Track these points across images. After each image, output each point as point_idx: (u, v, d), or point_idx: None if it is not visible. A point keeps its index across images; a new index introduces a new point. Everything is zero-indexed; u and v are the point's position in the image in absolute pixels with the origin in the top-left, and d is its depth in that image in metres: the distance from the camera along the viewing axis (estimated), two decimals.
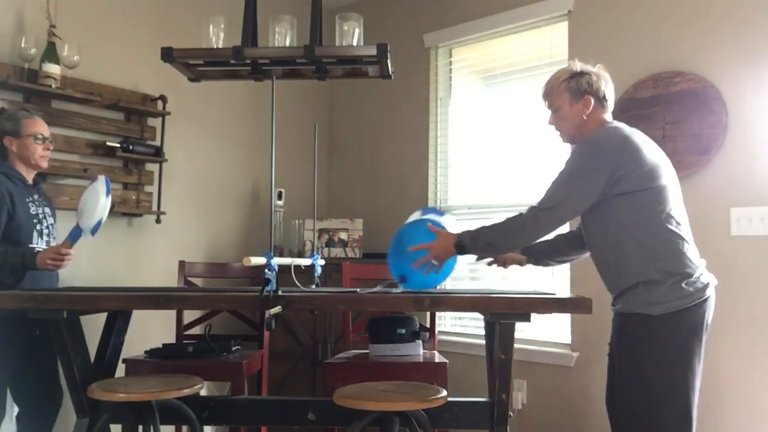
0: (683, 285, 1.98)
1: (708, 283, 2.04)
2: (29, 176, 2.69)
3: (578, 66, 2.18)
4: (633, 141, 2.05)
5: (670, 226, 2.01)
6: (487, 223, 2.17)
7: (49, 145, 2.70)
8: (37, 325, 2.50)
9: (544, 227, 2.07)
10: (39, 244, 2.62)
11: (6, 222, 2.53)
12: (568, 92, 2.15)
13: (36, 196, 2.69)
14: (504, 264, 2.48)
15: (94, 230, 2.43)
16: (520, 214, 2.09)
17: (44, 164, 2.70)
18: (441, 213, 2.45)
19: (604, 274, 2.14)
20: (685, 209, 2.11)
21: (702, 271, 2.05)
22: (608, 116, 2.20)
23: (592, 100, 2.14)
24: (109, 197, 2.42)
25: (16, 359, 2.58)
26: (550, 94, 2.20)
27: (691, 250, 2.04)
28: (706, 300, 2.02)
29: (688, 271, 2.00)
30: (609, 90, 2.19)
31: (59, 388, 2.73)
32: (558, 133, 2.24)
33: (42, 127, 2.68)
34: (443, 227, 2.27)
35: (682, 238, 2.03)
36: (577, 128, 2.17)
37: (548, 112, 2.24)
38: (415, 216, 2.43)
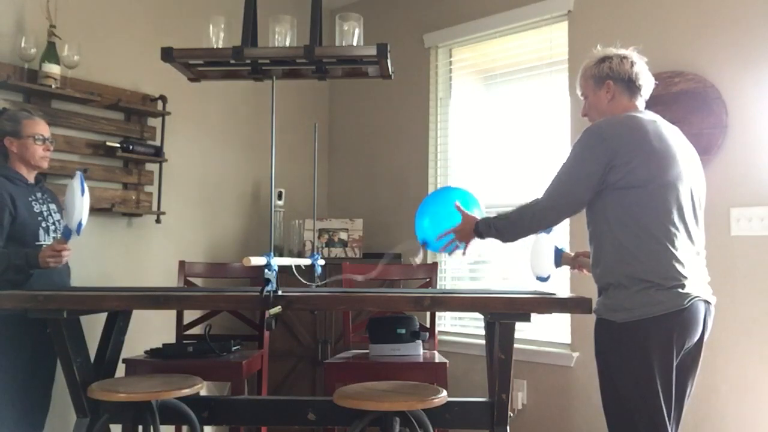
0: (653, 292, 1.86)
1: (688, 294, 1.88)
2: (30, 176, 2.69)
3: (601, 52, 2.12)
4: (642, 130, 1.94)
5: (655, 231, 1.89)
6: (505, 210, 2.18)
7: (50, 145, 2.71)
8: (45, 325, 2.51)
9: (543, 219, 2.06)
10: (46, 241, 2.63)
11: (10, 223, 2.54)
12: (592, 79, 2.11)
13: (39, 194, 2.70)
14: (579, 269, 2.42)
15: (78, 229, 2.40)
16: (525, 204, 2.08)
17: (45, 165, 2.70)
18: (549, 230, 2.44)
19: (592, 267, 2.08)
20: (696, 214, 2.00)
21: (686, 283, 1.89)
22: (639, 102, 2.10)
23: (613, 85, 2.07)
24: (86, 195, 2.38)
25: (23, 363, 2.58)
26: (580, 83, 2.17)
27: (675, 260, 1.89)
28: (680, 312, 1.87)
29: (660, 281, 1.87)
30: (637, 71, 2.08)
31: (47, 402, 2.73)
32: (590, 123, 2.15)
33: (42, 128, 2.68)
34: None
35: (667, 247, 1.89)
36: (601, 115, 2.10)
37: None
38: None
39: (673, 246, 1.90)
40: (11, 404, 2.56)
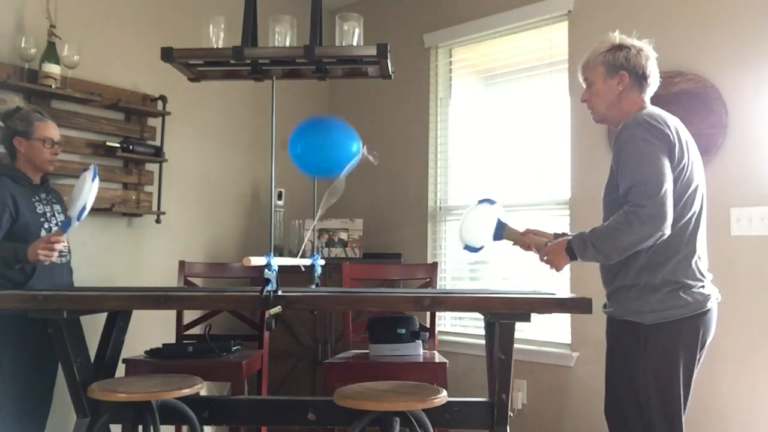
0: (681, 294, 1.88)
1: (709, 295, 1.92)
2: (36, 177, 2.70)
3: (618, 39, 2.04)
4: (676, 126, 1.93)
5: (685, 233, 1.91)
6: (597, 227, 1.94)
7: (57, 149, 2.72)
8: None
9: (649, 220, 1.80)
10: None
11: (11, 223, 2.53)
12: (603, 66, 2.02)
13: (43, 195, 2.70)
14: (527, 248, 2.23)
15: (79, 215, 2.36)
16: (620, 215, 1.86)
17: (50, 168, 2.71)
18: (492, 202, 2.35)
19: (604, 268, 2.04)
20: (705, 216, 2.00)
21: (706, 284, 1.94)
22: (647, 98, 2.05)
23: (627, 77, 2.00)
24: (96, 181, 2.37)
25: (25, 361, 2.58)
26: (586, 67, 2.08)
27: (699, 261, 1.93)
28: (705, 313, 1.91)
29: (688, 281, 1.90)
30: (651, 67, 2.02)
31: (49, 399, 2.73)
32: (590, 110, 2.11)
33: (53, 132, 2.69)
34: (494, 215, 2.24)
35: (695, 248, 1.92)
36: (608, 106, 2.04)
37: (582, 88, 2.13)
38: (472, 207, 2.36)
39: (698, 247, 1.94)
40: (13, 404, 2.56)
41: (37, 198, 2.66)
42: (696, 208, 1.94)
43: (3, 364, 2.53)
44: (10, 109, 2.69)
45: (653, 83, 2.06)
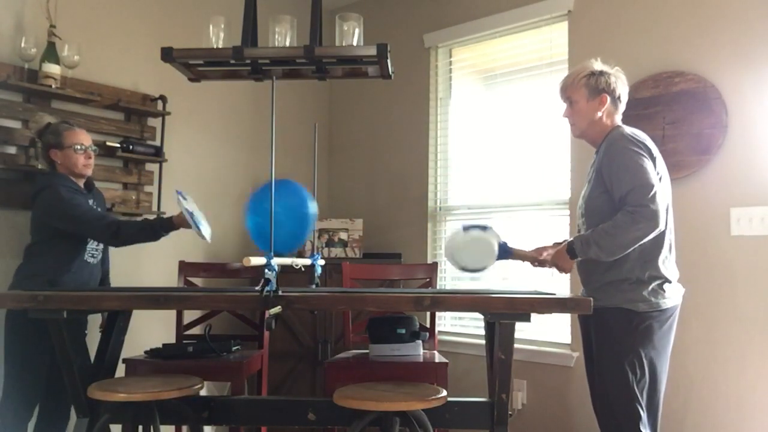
0: (664, 287, 2.14)
1: (681, 287, 2.21)
2: (79, 183, 2.81)
3: (598, 65, 2.27)
4: (651, 142, 2.20)
5: (665, 235, 2.15)
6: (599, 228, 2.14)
7: (91, 153, 2.81)
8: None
9: (652, 217, 2.04)
10: (91, 243, 2.78)
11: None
12: (586, 88, 2.25)
13: (91, 201, 2.81)
14: (541, 264, 2.41)
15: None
16: (620, 216, 2.07)
17: (87, 172, 2.82)
18: (485, 228, 2.43)
19: (591, 266, 2.21)
20: (672, 216, 2.23)
21: (677, 279, 2.21)
22: (619, 117, 2.30)
23: (608, 99, 2.24)
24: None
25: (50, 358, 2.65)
26: (568, 87, 2.30)
27: (673, 259, 2.20)
28: (678, 306, 2.18)
29: (669, 277, 2.15)
30: (624, 92, 2.29)
31: None
32: (571, 125, 2.34)
33: (82, 138, 2.79)
34: (489, 235, 2.39)
35: (671, 247, 2.19)
36: (590, 124, 2.27)
37: (563, 107, 2.36)
38: (457, 231, 2.45)
39: (672, 245, 2.21)
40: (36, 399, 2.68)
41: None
42: (668, 212, 2.17)
43: (34, 360, 2.62)
44: (42, 126, 2.79)
45: (624, 105, 2.32)
